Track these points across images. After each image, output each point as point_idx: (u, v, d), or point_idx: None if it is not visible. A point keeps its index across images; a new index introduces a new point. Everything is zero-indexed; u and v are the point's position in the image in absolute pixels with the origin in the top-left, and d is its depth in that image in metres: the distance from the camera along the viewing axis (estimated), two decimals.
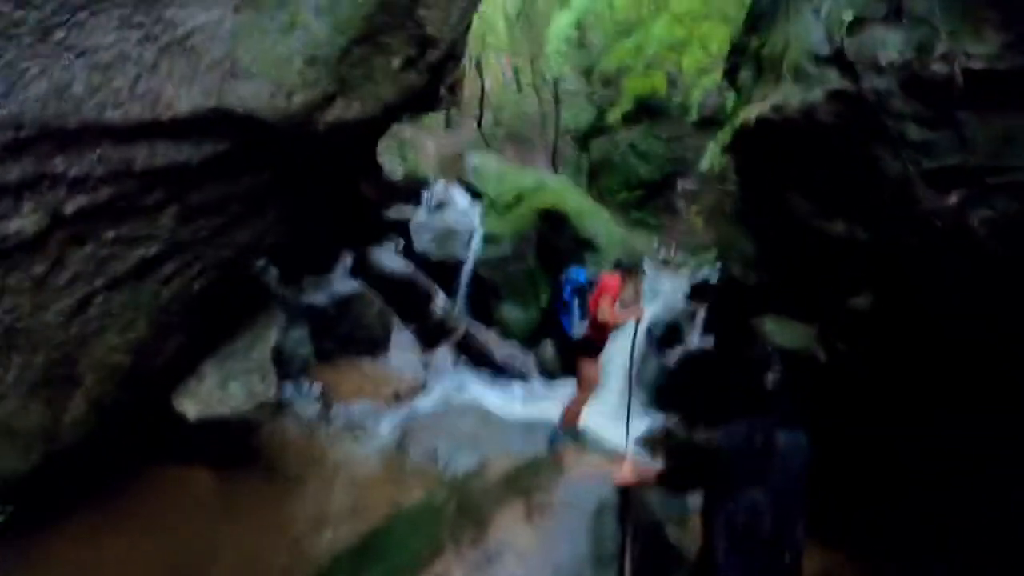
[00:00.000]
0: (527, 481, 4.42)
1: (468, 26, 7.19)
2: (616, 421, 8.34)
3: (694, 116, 17.93)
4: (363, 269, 11.29)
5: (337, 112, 5.50)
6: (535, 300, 11.36)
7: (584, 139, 21.23)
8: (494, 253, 12.12)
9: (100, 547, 5.19)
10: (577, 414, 7.33)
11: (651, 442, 8.22)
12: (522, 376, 10.38)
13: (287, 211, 6.52)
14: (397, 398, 8.56)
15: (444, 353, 10.41)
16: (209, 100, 4.92)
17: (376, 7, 5.48)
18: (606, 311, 6.81)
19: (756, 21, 7.64)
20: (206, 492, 5.95)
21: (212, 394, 6.25)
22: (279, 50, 5.15)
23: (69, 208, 4.63)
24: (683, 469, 3.63)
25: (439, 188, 15.57)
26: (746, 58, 7.80)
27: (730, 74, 8.68)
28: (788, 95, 5.90)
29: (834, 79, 5.61)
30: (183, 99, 4.85)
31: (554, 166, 21.38)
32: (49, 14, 4.37)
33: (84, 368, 5.09)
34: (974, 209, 4.74)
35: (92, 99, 4.55)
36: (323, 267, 10.43)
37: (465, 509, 4.47)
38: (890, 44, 5.29)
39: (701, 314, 9.37)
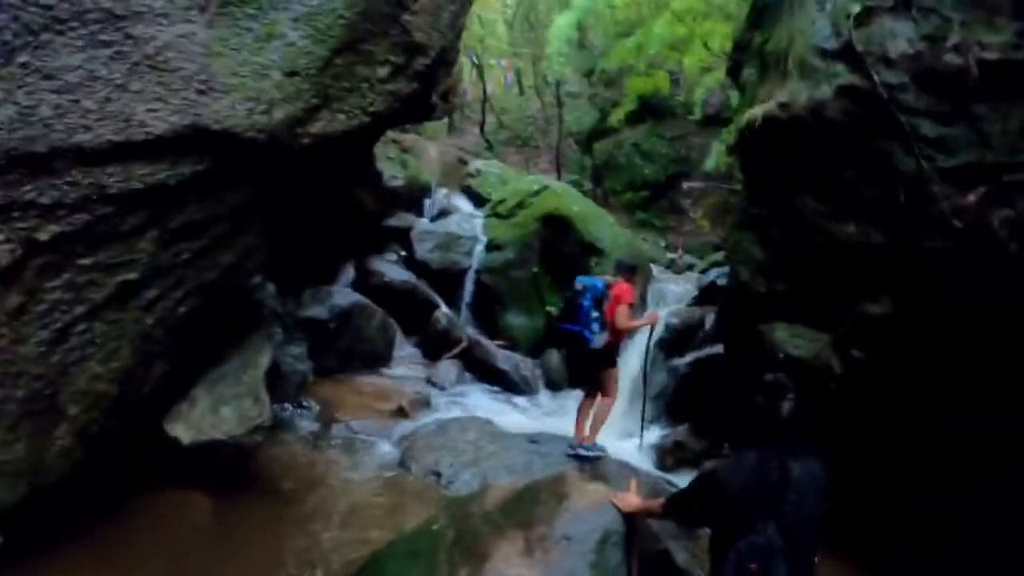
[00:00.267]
0: (527, 509, 4.18)
1: (460, 31, 7.00)
2: (625, 434, 8.17)
3: (698, 115, 17.83)
4: (364, 280, 11.15)
5: (321, 125, 5.31)
6: (540, 307, 11.15)
7: (587, 141, 21.14)
8: (497, 260, 11.95)
9: None
10: (603, 424, 7.12)
11: (661, 453, 7.99)
12: (527, 387, 10.14)
13: (277, 226, 6.33)
14: (399, 414, 8.35)
15: (447, 365, 10.20)
16: (184, 118, 4.74)
17: (358, 14, 5.30)
18: (624, 318, 6.60)
19: (759, 16, 7.44)
20: (202, 518, 5.75)
21: (204, 419, 6.05)
22: (256, 63, 4.98)
23: (43, 235, 4.43)
24: (689, 505, 3.42)
25: (441, 195, 15.49)
26: (749, 55, 7.61)
27: (733, 71, 8.49)
28: (795, 92, 5.71)
29: (842, 74, 5.42)
30: (156, 118, 4.67)
31: (558, 169, 21.24)
32: (11, 37, 4.23)
33: (67, 399, 4.87)
34: (994, 208, 4.54)
35: (61, 122, 4.39)
36: (323, 278, 10.28)
37: (464, 538, 4.24)
38: (900, 35, 5.11)
39: (709, 319, 9.13)
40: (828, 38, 5.58)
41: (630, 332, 6.80)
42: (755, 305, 6.54)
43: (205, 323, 5.89)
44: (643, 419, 6.77)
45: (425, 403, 8.84)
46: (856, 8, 5.33)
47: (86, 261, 4.68)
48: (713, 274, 10.70)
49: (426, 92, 6.45)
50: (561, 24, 20.63)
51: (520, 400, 9.91)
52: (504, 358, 10.53)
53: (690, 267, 14.23)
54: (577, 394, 7.80)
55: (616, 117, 19.01)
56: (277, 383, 7.53)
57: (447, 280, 11.96)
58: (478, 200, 15.66)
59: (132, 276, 4.90)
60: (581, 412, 7.22)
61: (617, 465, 7.07)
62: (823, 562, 3.13)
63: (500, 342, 11.18)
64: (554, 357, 10.30)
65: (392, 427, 7.98)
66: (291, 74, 5.08)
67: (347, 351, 9.62)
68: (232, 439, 6.05)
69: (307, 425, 7.67)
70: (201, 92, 4.83)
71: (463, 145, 22.71)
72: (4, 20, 4.25)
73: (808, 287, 6.06)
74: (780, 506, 2.88)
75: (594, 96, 21.88)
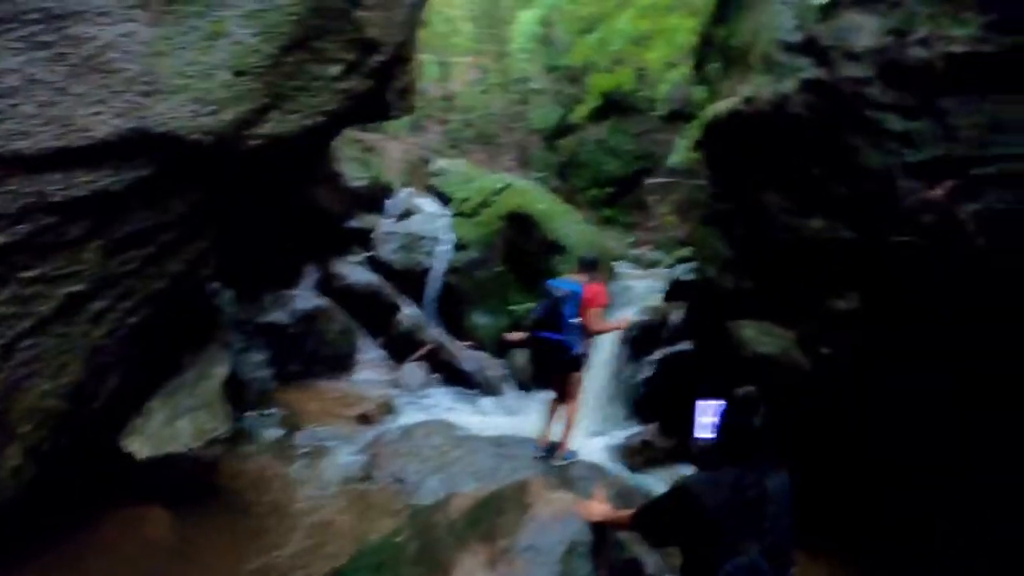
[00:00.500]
0: (491, 520, 4.05)
1: (416, 27, 6.85)
2: (592, 434, 8.08)
3: (662, 111, 17.78)
4: (326, 282, 10.96)
5: (271, 126, 5.15)
6: (505, 307, 11.02)
7: (552, 138, 21.04)
8: (462, 259, 11.78)
9: None
10: (572, 432, 7.02)
11: (629, 453, 7.89)
12: (494, 389, 10.01)
13: (231, 231, 6.16)
14: (364, 420, 8.19)
15: (413, 368, 10.03)
16: (127, 121, 4.56)
17: (309, 11, 5.15)
18: (598, 321, 6.51)
19: (723, 11, 7.39)
20: (161, 534, 5.57)
21: (160, 432, 5.90)
22: (202, 62, 4.81)
23: None
24: (659, 521, 3.29)
25: (404, 194, 15.27)
26: (713, 50, 7.57)
27: (697, 67, 8.46)
28: (759, 86, 5.67)
29: (807, 68, 5.39)
30: (98, 122, 4.49)
31: (523, 166, 21.13)
32: None
33: (16, 417, 4.68)
34: (962, 203, 4.49)
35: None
36: (284, 282, 10.07)
37: (428, 551, 4.11)
38: (865, 29, 5.09)
39: (676, 316, 9.05)
40: (792, 32, 5.54)
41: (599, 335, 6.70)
42: (722, 302, 6.47)
43: (158, 333, 5.72)
44: (606, 423, 6.70)
45: (390, 408, 8.68)
46: (821, 1, 5.27)
47: (30, 273, 4.49)
48: (680, 270, 10.61)
49: (382, 90, 6.29)
50: (525, 20, 20.50)
51: (486, 402, 9.75)
52: (470, 359, 10.37)
53: (656, 263, 14.15)
54: (543, 395, 7.69)
55: (579, 114, 18.91)
56: (237, 392, 7.36)
57: (411, 281, 11.75)
58: (442, 199, 15.46)
59: (79, 288, 4.71)
60: (548, 415, 7.14)
61: (585, 467, 6.99)
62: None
63: (466, 343, 11.04)
64: (520, 357, 10.15)
65: (357, 433, 7.83)
66: (239, 73, 4.91)
67: (310, 356, 9.41)
68: (190, 452, 5.92)
69: (269, 434, 7.49)
70: (145, 94, 4.66)
71: (427, 144, 22.47)
72: None
73: (775, 283, 6.00)
74: (762, 524, 2.81)
75: (559, 93, 21.77)
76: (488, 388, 9.99)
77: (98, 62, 4.51)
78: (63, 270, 4.63)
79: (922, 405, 5.18)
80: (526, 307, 10.19)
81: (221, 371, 6.53)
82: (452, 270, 11.74)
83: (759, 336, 5.99)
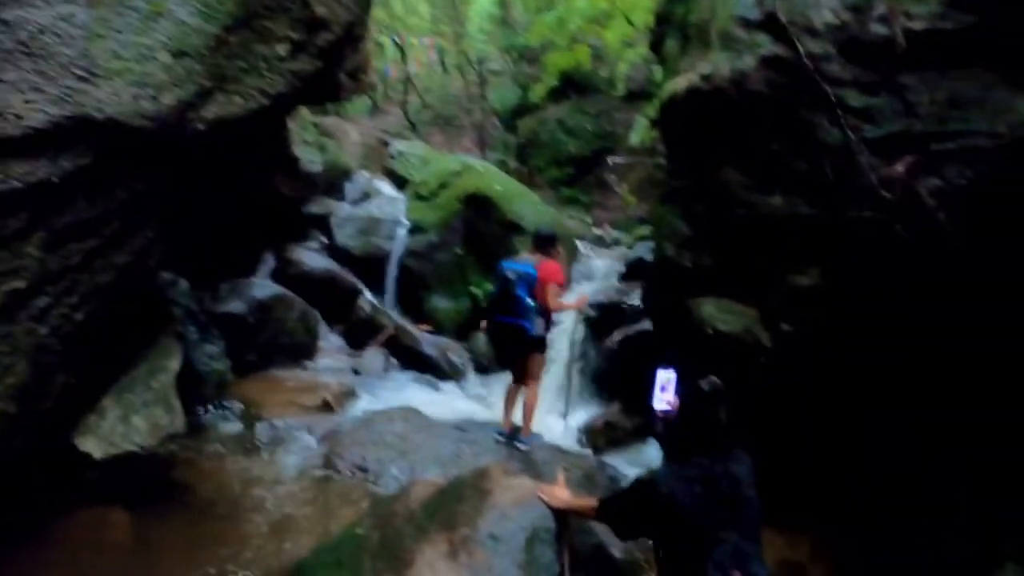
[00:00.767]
0: (451, 508, 3.99)
1: (368, 4, 6.70)
2: (554, 415, 8.05)
3: (621, 90, 17.75)
4: (283, 270, 10.80)
5: (216, 109, 4.99)
6: (465, 290, 10.96)
7: (511, 119, 20.94)
8: (420, 243, 11.70)
9: None
10: (533, 415, 6.94)
11: (592, 434, 7.87)
12: (455, 372, 9.97)
13: (180, 219, 6.00)
14: (325, 408, 8.07)
15: (373, 354, 9.93)
16: (63, 108, 4.36)
17: None
18: (554, 300, 6.44)
19: None
20: (120, 535, 5.44)
21: (114, 430, 5.79)
22: (141, 44, 4.63)
23: None
24: (627, 515, 3.29)
25: (362, 178, 15.12)
26: (672, 27, 7.49)
27: (655, 45, 8.38)
28: (717, 63, 5.61)
29: (766, 44, 5.33)
30: (34, 109, 4.28)
31: (482, 148, 21.00)
32: None
33: None
34: (922, 178, 4.48)
35: None
36: (241, 271, 9.88)
37: (389, 542, 4.05)
38: (824, 5, 5.05)
39: (637, 295, 9.03)
40: (751, 8, 5.48)
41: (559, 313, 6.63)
42: (681, 280, 6.42)
43: (108, 328, 5.54)
44: (567, 405, 6.65)
45: (351, 395, 8.57)
46: None
47: None
48: (640, 249, 10.60)
49: (332, 71, 6.16)
50: (482, 0, 20.31)
51: (448, 386, 9.72)
52: (430, 343, 10.31)
53: (617, 242, 14.15)
54: (505, 377, 7.63)
55: (537, 93, 18.80)
56: (193, 385, 7.22)
57: (370, 266, 11.66)
58: (400, 182, 15.35)
59: (20, 284, 4.50)
60: (508, 398, 7.06)
61: (547, 450, 6.95)
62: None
63: (426, 327, 10.97)
64: (481, 340, 10.10)
65: (317, 422, 7.68)
66: (180, 55, 4.75)
67: (268, 345, 9.24)
68: (145, 450, 5.81)
69: (228, 427, 7.33)
70: (82, 79, 4.47)
71: (386, 126, 22.30)
72: None
73: (734, 261, 5.96)
74: (738, 512, 2.87)
75: (517, 73, 21.66)
76: (450, 372, 9.95)
77: (33, 47, 4.31)
78: (3, 267, 4.42)
79: (881, 381, 5.18)
80: (486, 289, 10.12)
81: (174, 364, 6.40)
82: (411, 254, 11.65)
83: (719, 313, 5.95)
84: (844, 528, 5.58)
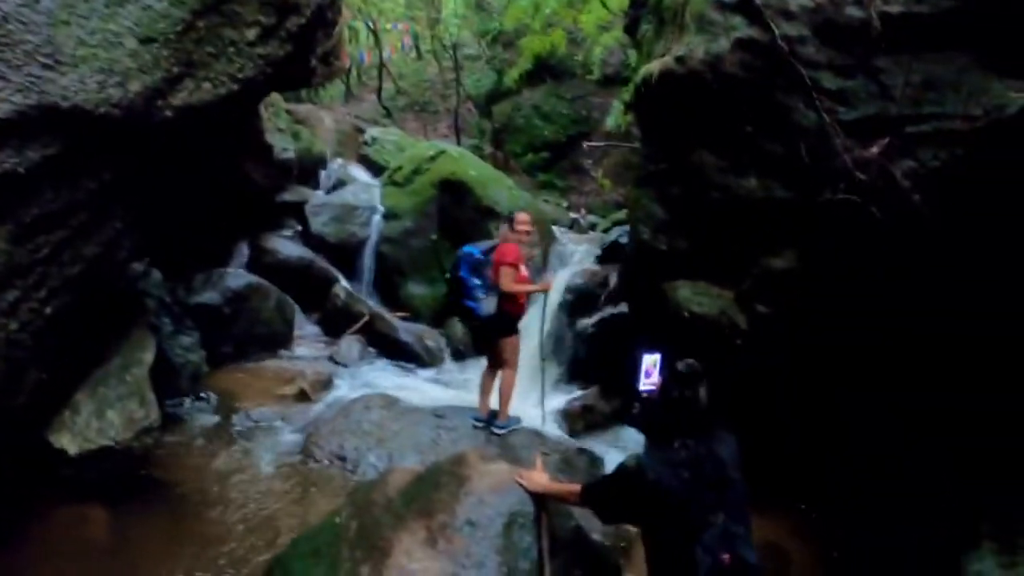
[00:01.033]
0: (428, 495, 3.96)
1: None
2: (532, 401, 8.03)
3: (597, 74, 17.74)
4: (258, 258, 10.72)
5: (184, 96, 4.91)
6: (441, 276, 10.93)
7: (486, 104, 20.84)
8: (395, 229, 11.66)
9: None
10: (509, 400, 6.91)
11: (570, 418, 7.87)
12: (432, 359, 9.94)
13: (151, 209, 5.91)
14: (302, 397, 8.03)
15: (350, 342, 9.89)
16: (28, 97, 4.25)
17: None
18: (508, 281, 6.40)
19: None
20: (98, 533, 5.39)
21: (89, 425, 5.70)
22: (107, 30, 4.53)
23: None
24: (612, 501, 3.28)
25: (336, 165, 15.04)
26: (647, 10, 7.48)
27: (631, 28, 8.36)
28: (692, 46, 5.59)
29: (741, 27, 5.33)
30: None
31: (457, 133, 20.92)
32: None
33: None
34: (897, 160, 4.49)
35: None
36: (215, 260, 9.80)
37: (366, 531, 4.00)
38: None
39: (613, 279, 9.03)
40: None
41: (526, 297, 6.57)
42: (657, 263, 6.43)
43: (79, 321, 5.47)
44: (543, 389, 6.63)
45: (328, 383, 8.53)
46: None
47: None
48: (616, 233, 10.61)
49: (303, 55, 6.07)
50: None
51: (425, 372, 9.71)
52: (407, 330, 10.27)
53: (593, 227, 14.17)
54: (482, 362, 7.62)
55: (512, 77, 18.73)
56: (168, 377, 7.17)
57: (345, 253, 11.61)
58: (375, 169, 15.27)
59: None
60: (484, 384, 7.05)
61: (525, 434, 6.94)
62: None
63: (402, 313, 10.92)
64: (458, 326, 10.07)
65: (294, 412, 7.69)
66: (147, 41, 4.65)
67: (244, 336, 9.20)
68: (121, 444, 5.73)
69: (205, 419, 7.31)
70: (47, 67, 4.36)
71: (360, 113, 22.16)
72: None
73: (710, 244, 5.97)
74: (724, 494, 2.87)
75: (492, 59, 21.56)
76: (427, 358, 9.93)
77: None
78: None
79: (857, 363, 5.21)
80: None
81: (148, 356, 6.31)
82: (386, 240, 11.61)
83: (694, 296, 5.97)
84: (828, 510, 5.61)
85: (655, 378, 3.21)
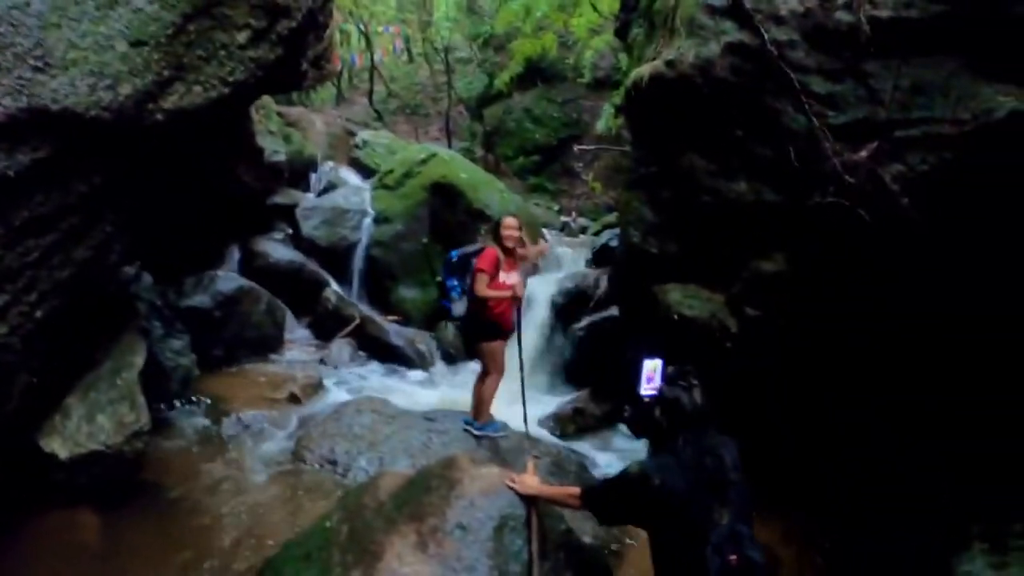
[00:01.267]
0: (419, 499, 3.96)
1: None
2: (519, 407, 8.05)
3: (588, 78, 17.79)
4: (249, 262, 10.71)
5: (175, 99, 4.90)
6: (432, 279, 10.93)
7: (478, 107, 20.87)
8: (386, 233, 11.66)
9: None
10: (486, 404, 6.89)
11: (561, 421, 7.88)
12: (423, 362, 9.93)
13: (142, 212, 5.90)
14: (292, 401, 8.02)
15: (341, 345, 9.90)
16: (18, 100, 4.25)
17: None
18: (480, 287, 6.36)
19: None
20: (89, 537, 5.38)
21: (79, 430, 5.68)
22: (98, 33, 4.53)
23: None
24: (617, 506, 3.28)
25: (327, 168, 15.03)
26: (637, 14, 7.50)
27: (621, 32, 8.39)
28: (682, 50, 5.61)
29: (731, 31, 5.34)
30: None
31: (448, 136, 20.93)
32: None
33: None
34: (886, 164, 4.51)
35: None
36: (206, 264, 9.77)
37: (357, 534, 4.01)
38: None
39: (604, 282, 9.05)
40: None
41: (509, 304, 6.56)
42: (648, 266, 6.43)
43: (70, 326, 5.46)
44: (523, 396, 6.65)
45: (319, 387, 8.53)
46: None
47: None
48: (606, 236, 10.63)
49: (294, 58, 6.06)
50: None
51: (416, 375, 9.69)
52: (398, 333, 10.27)
53: (584, 230, 14.20)
54: (474, 366, 7.62)
55: (502, 80, 18.75)
56: (159, 381, 7.16)
57: (336, 256, 11.62)
58: (366, 172, 15.28)
59: None
60: (475, 387, 7.04)
61: (516, 438, 6.94)
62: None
63: (393, 317, 10.92)
64: (449, 330, 10.09)
65: (285, 416, 7.67)
66: (138, 44, 4.64)
67: (235, 339, 9.19)
68: (111, 448, 5.70)
69: (195, 423, 7.28)
70: (37, 69, 4.36)
71: (351, 116, 22.15)
72: None
73: (700, 247, 5.98)
74: (728, 494, 2.89)
75: (484, 62, 21.59)
76: (418, 361, 9.92)
77: None
78: None
79: (846, 366, 5.22)
80: None
81: (138, 360, 6.29)
82: (377, 244, 11.61)
83: (685, 299, 5.97)
84: (821, 515, 5.59)
85: (656, 382, 3.24)
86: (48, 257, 4.83)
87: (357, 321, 10.24)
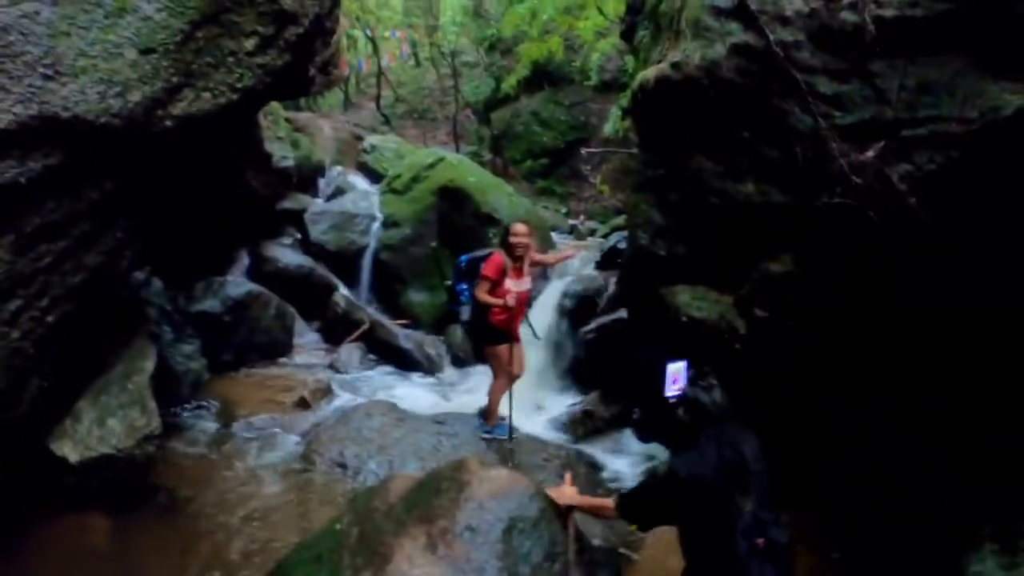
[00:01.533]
0: (428, 501, 3.98)
1: None
2: (534, 407, 8.07)
3: (594, 80, 17.79)
4: (258, 267, 10.75)
5: (184, 105, 4.93)
6: (441, 283, 10.93)
7: (485, 111, 20.89)
8: (395, 237, 11.64)
9: None
10: (493, 407, 6.93)
11: (572, 424, 7.88)
12: (433, 365, 9.93)
13: (152, 218, 5.94)
14: (302, 405, 8.03)
15: (350, 349, 9.90)
16: (29, 107, 4.30)
17: None
18: (480, 293, 6.45)
19: None
20: (99, 541, 5.42)
21: (90, 434, 5.71)
22: (107, 41, 4.57)
23: None
24: (652, 508, 3.37)
25: (335, 173, 15.08)
26: (643, 17, 7.49)
27: (627, 34, 8.38)
28: (688, 52, 5.60)
29: (736, 32, 5.31)
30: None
31: (456, 140, 20.97)
32: None
33: None
34: (893, 164, 4.49)
35: None
36: (215, 269, 9.82)
37: (367, 537, 4.03)
38: None
39: (612, 285, 9.05)
40: None
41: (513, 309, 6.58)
42: (656, 269, 6.43)
43: (81, 330, 5.49)
44: (510, 404, 6.73)
45: (328, 391, 8.51)
46: None
47: None
48: (614, 238, 10.62)
49: (301, 64, 6.09)
50: None
51: (426, 379, 9.69)
52: (407, 337, 10.26)
53: (592, 232, 14.20)
54: (483, 369, 7.65)
55: (509, 84, 18.77)
56: (169, 385, 7.21)
57: (345, 261, 11.62)
58: (374, 176, 15.31)
59: None
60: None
61: (526, 441, 6.95)
62: None
63: (402, 321, 10.94)
64: (458, 333, 10.10)
65: (295, 420, 7.68)
66: (147, 51, 4.68)
67: (244, 344, 9.21)
68: (122, 452, 5.73)
69: (205, 427, 7.30)
70: (47, 77, 4.40)
71: (359, 121, 22.22)
72: None
73: (708, 249, 5.98)
74: (749, 483, 3.01)
75: (491, 66, 21.62)
76: (427, 365, 9.91)
77: None
78: None
79: (854, 367, 5.21)
80: None
81: (149, 364, 6.33)
82: (386, 248, 11.61)
83: (694, 301, 5.97)
84: (827, 516, 5.58)
85: (681, 384, 3.35)
86: (60, 263, 4.87)
87: (366, 325, 10.24)
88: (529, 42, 17.73)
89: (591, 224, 15.34)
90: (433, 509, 3.90)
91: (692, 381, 3.30)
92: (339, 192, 13.78)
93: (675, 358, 3.40)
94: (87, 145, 4.62)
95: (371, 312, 10.82)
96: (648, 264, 6.54)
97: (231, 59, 5.22)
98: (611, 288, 9.07)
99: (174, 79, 4.84)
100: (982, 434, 4.65)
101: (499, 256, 6.46)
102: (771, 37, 5.06)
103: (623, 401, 7.67)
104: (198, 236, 8.87)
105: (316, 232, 11.79)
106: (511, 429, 6.90)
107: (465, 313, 6.77)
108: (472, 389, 8.43)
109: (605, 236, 12.45)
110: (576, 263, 10.39)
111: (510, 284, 6.45)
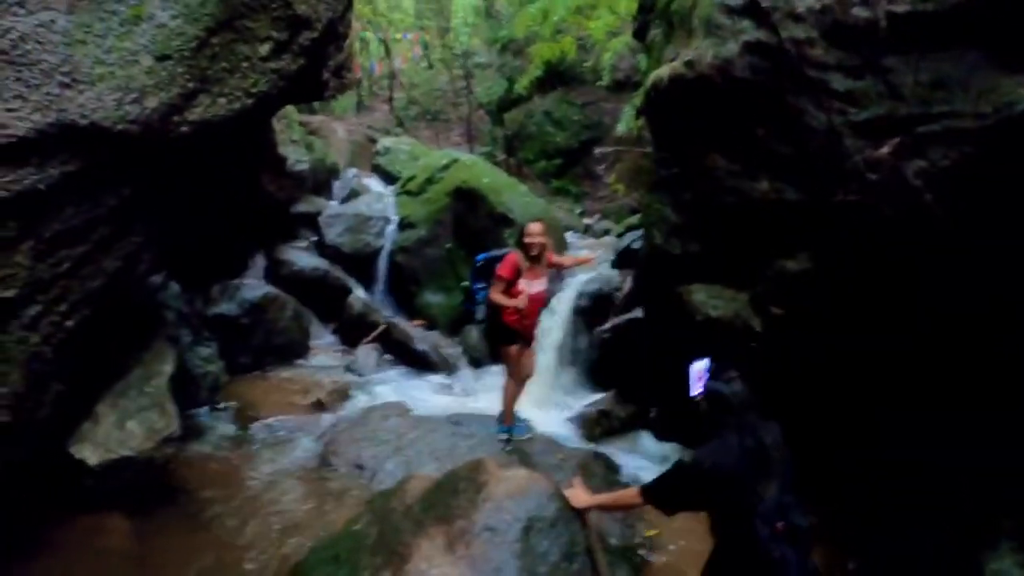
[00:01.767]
0: (446, 502, 4.01)
1: (350, 1, 6.66)
2: (550, 406, 8.06)
3: (607, 80, 17.74)
4: (274, 270, 10.82)
5: (200, 111, 4.96)
6: (456, 284, 10.96)
7: (498, 111, 20.88)
8: (410, 238, 11.72)
9: None
10: (508, 406, 6.94)
11: (587, 423, 7.88)
12: (448, 367, 9.95)
13: (169, 223, 5.97)
14: (319, 407, 8.09)
15: (366, 351, 9.95)
16: (47, 115, 4.33)
17: None
18: (494, 293, 6.48)
19: None
20: (119, 542, 5.44)
21: (110, 436, 5.75)
22: (123, 48, 4.60)
23: None
24: (678, 496, 3.46)
25: (350, 176, 15.14)
26: (655, 15, 7.46)
27: (639, 33, 8.35)
28: (700, 50, 5.58)
29: (749, 30, 5.28)
30: (17, 118, 4.24)
31: (469, 141, 20.98)
32: None
33: None
34: (908, 160, 4.45)
35: None
36: (232, 272, 9.83)
37: (386, 537, 4.06)
38: None
39: (627, 284, 9.04)
40: None
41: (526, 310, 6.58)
42: (671, 267, 6.42)
43: (100, 334, 5.52)
44: (564, 392, 6.74)
45: (345, 393, 8.60)
46: None
47: None
48: (629, 237, 10.60)
49: (315, 69, 6.12)
50: None
51: (442, 380, 9.71)
52: (423, 338, 10.30)
53: (607, 232, 14.17)
54: (499, 369, 7.66)
55: (522, 84, 18.76)
56: (188, 388, 7.26)
57: (360, 263, 11.70)
58: (388, 178, 15.36)
59: (10, 294, 4.47)
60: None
61: (542, 441, 6.96)
62: None
63: (418, 322, 10.97)
64: (474, 334, 10.11)
65: (312, 421, 7.75)
66: (163, 58, 4.71)
67: (261, 346, 9.31)
68: (142, 455, 5.77)
69: (224, 429, 7.39)
70: (65, 85, 4.44)
71: (373, 123, 22.28)
72: None
73: (723, 247, 5.96)
74: (771, 470, 3.14)
75: (503, 66, 21.62)
76: (443, 366, 9.94)
77: (14, 55, 4.27)
78: None
79: (869, 365, 5.19)
80: None
81: (167, 367, 6.38)
82: (401, 249, 11.66)
83: (710, 299, 5.96)
84: (843, 515, 5.56)
85: (703, 380, 3.44)
86: (79, 268, 4.91)
87: (382, 327, 10.29)
88: (541, 42, 17.71)
89: (605, 223, 15.30)
90: (451, 509, 3.93)
91: (713, 375, 3.37)
92: (354, 194, 13.84)
93: (697, 358, 3.49)
94: (104, 152, 4.65)
95: (387, 314, 10.89)
96: (663, 263, 6.54)
97: (246, 64, 5.24)
98: (627, 287, 9.06)
99: (190, 85, 4.87)
100: (999, 431, 4.63)
101: (514, 256, 6.47)
102: (783, 34, 5.04)
103: (639, 401, 7.66)
104: (214, 240, 8.90)
105: (331, 235, 11.86)
106: (527, 429, 6.92)
107: (480, 313, 6.79)
108: (488, 389, 8.43)
109: (620, 235, 12.42)
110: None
111: (523, 285, 6.46)
